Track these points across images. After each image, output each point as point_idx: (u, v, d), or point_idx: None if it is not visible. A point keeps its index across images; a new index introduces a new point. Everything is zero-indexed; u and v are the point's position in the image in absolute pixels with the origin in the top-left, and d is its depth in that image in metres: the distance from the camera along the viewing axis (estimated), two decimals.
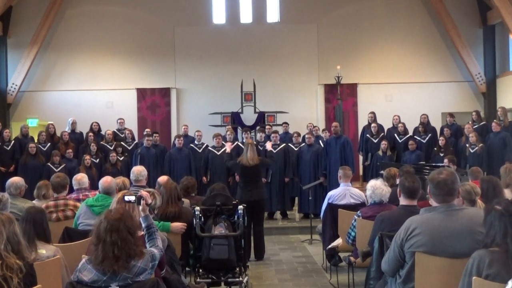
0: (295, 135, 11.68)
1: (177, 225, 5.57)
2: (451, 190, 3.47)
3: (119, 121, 13.17)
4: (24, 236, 3.49)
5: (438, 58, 15.89)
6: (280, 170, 10.91)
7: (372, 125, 12.49)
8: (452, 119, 12.63)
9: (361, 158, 13.23)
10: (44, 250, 4.03)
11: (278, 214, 11.42)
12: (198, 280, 5.66)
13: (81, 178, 6.50)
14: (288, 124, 12.97)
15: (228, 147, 9.11)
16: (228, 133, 12.03)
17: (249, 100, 15.20)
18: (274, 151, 10.79)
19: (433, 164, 10.19)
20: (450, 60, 15.90)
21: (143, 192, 3.92)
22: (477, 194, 4.69)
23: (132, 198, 3.83)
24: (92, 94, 15.69)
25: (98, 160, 11.65)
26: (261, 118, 14.74)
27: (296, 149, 11.33)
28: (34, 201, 6.06)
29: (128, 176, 6.77)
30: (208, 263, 5.68)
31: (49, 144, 12.14)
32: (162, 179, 6.67)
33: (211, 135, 11.65)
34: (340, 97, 14.77)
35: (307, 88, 15.90)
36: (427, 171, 9.12)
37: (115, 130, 12.91)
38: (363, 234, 5.27)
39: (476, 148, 11.00)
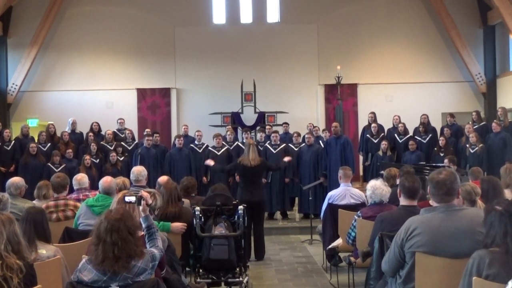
0: (295, 135, 11.68)
1: (177, 225, 5.57)
2: (450, 190, 3.47)
3: (119, 121, 13.18)
4: (24, 236, 3.50)
5: (438, 58, 15.89)
6: (280, 171, 10.90)
7: (372, 125, 12.49)
8: (452, 119, 12.62)
9: (361, 158, 13.23)
10: (44, 250, 4.03)
11: (278, 214, 11.42)
12: (198, 280, 5.66)
13: (81, 178, 6.50)
14: (288, 124, 12.97)
15: (209, 162, 9.06)
16: (228, 133, 12.03)
17: (249, 100, 15.20)
18: (274, 152, 10.84)
19: (433, 164, 10.18)
20: (450, 60, 15.90)
21: (144, 193, 3.92)
22: (477, 194, 4.69)
23: (133, 198, 3.83)
24: (92, 94, 15.69)
25: (98, 160, 11.65)
26: (261, 118, 14.74)
27: (296, 149, 11.33)
28: (34, 201, 6.06)
29: (128, 176, 6.77)
30: (208, 263, 5.68)
31: (49, 144, 12.14)
32: (162, 179, 6.68)
33: (211, 135, 11.64)
34: (340, 97, 14.78)
35: (307, 88, 15.90)
36: (427, 171, 9.12)
37: (115, 130, 12.91)
38: (363, 234, 5.27)
39: (476, 148, 11.00)
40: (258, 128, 13.13)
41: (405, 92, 15.74)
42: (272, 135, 11.29)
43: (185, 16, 15.89)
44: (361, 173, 13.57)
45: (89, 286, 3.19)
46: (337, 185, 7.31)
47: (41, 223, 4.17)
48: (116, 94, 15.78)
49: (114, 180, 5.72)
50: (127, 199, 3.86)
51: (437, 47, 15.88)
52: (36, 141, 12.18)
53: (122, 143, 12.28)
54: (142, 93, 15.79)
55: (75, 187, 6.42)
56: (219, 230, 5.77)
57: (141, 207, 3.78)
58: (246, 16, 16.17)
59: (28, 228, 4.03)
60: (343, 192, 7.00)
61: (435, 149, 11.79)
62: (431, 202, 3.62)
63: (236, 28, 16.02)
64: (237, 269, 5.80)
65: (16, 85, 15.34)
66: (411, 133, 12.55)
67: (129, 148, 12.23)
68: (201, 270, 5.74)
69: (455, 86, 15.89)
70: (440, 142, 11.71)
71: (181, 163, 11.26)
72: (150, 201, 3.88)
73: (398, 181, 5.97)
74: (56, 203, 5.86)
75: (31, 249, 3.77)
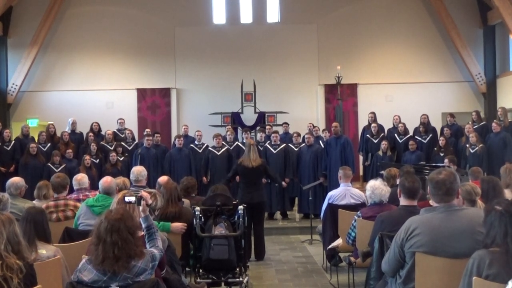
0: (295, 135, 11.68)
1: (177, 225, 5.57)
2: (450, 190, 3.46)
3: (119, 121, 13.18)
4: (24, 236, 3.50)
5: (438, 58, 15.89)
6: (280, 171, 10.89)
7: (372, 125, 12.49)
8: (452, 119, 12.62)
9: (361, 158, 13.23)
10: (44, 250, 4.03)
11: (278, 215, 11.42)
12: (198, 280, 5.66)
13: (81, 178, 6.50)
14: (288, 124, 12.96)
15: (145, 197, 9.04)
16: (228, 133, 12.04)
17: (249, 100, 15.20)
18: (274, 152, 10.83)
19: (433, 164, 10.18)
20: (450, 60, 15.90)
21: (143, 193, 3.92)
22: (477, 194, 4.69)
23: (133, 198, 3.83)
24: (92, 94, 15.69)
25: (98, 160, 11.65)
26: (261, 118, 14.73)
27: (296, 150, 11.33)
28: (34, 201, 6.06)
29: (128, 176, 6.76)
30: (208, 263, 5.68)
31: (49, 144, 12.14)
32: (163, 179, 6.67)
33: (211, 135, 11.64)
34: (340, 97, 14.78)
35: (307, 88, 15.90)
36: (427, 171, 9.12)
37: (115, 130, 12.92)
38: (363, 234, 5.27)
39: (476, 148, 11.00)
40: (258, 128, 13.13)
41: (405, 92, 15.74)
42: (272, 135, 11.28)
43: (185, 16, 15.89)
44: (361, 173, 13.58)
45: (89, 286, 3.19)
46: (337, 185, 7.31)
47: (41, 223, 4.17)
48: (116, 94, 15.78)
49: (114, 180, 5.72)
50: (127, 199, 3.86)
51: (437, 47, 15.88)
52: (36, 141, 12.18)
53: (122, 143, 12.29)
54: (142, 93, 15.80)
55: (75, 187, 6.42)
56: (219, 230, 5.77)
57: (141, 207, 3.78)
58: (246, 16, 16.17)
59: (28, 228, 4.03)
60: (343, 192, 7.00)
61: (435, 149, 11.79)
62: (431, 202, 3.62)
63: (236, 28, 16.03)
64: (237, 269, 5.80)
65: (16, 85, 15.34)
66: (411, 133, 12.56)
67: (129, 148, 12.24)
68: (201, 270, 5.74)
69: (455, 86, 15.89)
70: (440, 142, 11.71)
71: (181, 163, 11.26)
72: (150, 201, 3.88)
73: (398, 181, 5.97)
74: (56, 203, 5.86)
75: (31, 249, 3.77)
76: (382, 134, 12.47)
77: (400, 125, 12.45)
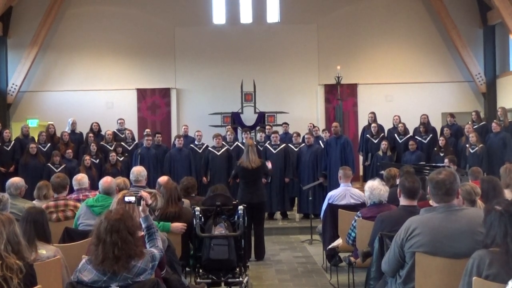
0: (294, 135, 11.68)
1: (177, 226, 5.57)
2: (450, 190, 3.46)
3: (119, 121, 13.18)
4: (24, 237, 3.50)
5: (438, 58, 15.89)
6: (280, 171, 10.90)
7: (372, 125, 12.49)
8: (452, 119, 12.62)
9: (361, 158, 13.23)
10: (44, 251, 4.03)
11: (278, 215, 11.42)
12: (198, 280, 5.66)
13: (81, 178, 6.50)
14: (288, 125, 12.97)
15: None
16: (228, 133, 12.04)
17: (249, 100, 15.19)
18: (274, 152, 10.86)
19: (433, 165, 10.18)
20: (450, 60, 15.90)
21: (143, 193, 3.92)
22: (477, 194, 4.69)
23: (132, 198, 3.83)
24: (92, 94, 15.69)
25: (98, 160, 11.65)
26: (261, 118, 14.73)
27: (296, 150, 11.33)
28: (34, 202, 6.06)
29: (128, 176, 6.77)
30: (208, 264, 5.68)
31: (49, 144, 12.14)
32: (162, 179, 6.67)
33: (211, 135, 11.64)
34: (340, 97, 14.77)
35: (307, 88, 15.90)
36: (427, 171, 9.12)
37: (115, 131, 12.92)
38: (363, 234, 5.27)
39: (476, 148, 11.00)
40: (258, 128, 13.12)
41: (405, 92, 15.74)
42: (272, 135, 11.28)
43: (185, 16, 15.89)
44: (361, 173, 13.57)
45: (89, 286, 3.19)
46: (337, 185, 7.31)
47: (41, 223, 4.17)
48: (116, 94, 15.78)
49: (114, 180, 5.72)
50: (127, 199, 3.86)
51: (437, 47, 15.88)
52: (36, 141, 12.18)
53: (122, 143, 12.29)
54: (142, 93, 15.80)
55: (75, 187, 6.42)
56: (219, 230, 5.77)
57: (141, 207, 3.78)
58: (246, 16, 16.18)
59: (28, 228, 4.03)
60: (343, 192, 7.00)
61: (435, 149, 11.78)
62: (431, 202, 3.62)
63: (236, 28, 16.03)
64: (237, 269, 5.80)
65: (16, 85, 15.34)
66: (411, 133, 12.56)
67: (129, 148, 12.24)
68: (201, 270, 5.74)
69: (455, 86, 15.89)
70: (440, 142, 11.70)
71: (181, 163, 11.26)
72: (149, 201, 3.88)
73: (398, 181, 5.97)
74: (56, 203, 5.86)
75: (31, 249, 3.77)
76: (382, 134, 12.47)
77: (400, 125, 12.45)
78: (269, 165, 9.20)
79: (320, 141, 11.72)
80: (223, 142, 11.27)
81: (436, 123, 13.72)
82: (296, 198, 11.53)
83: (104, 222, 3.25)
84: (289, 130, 12.71)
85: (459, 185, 3.59)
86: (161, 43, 15.95)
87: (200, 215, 5.79)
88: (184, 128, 12.82)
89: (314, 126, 12.79)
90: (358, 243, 5.48)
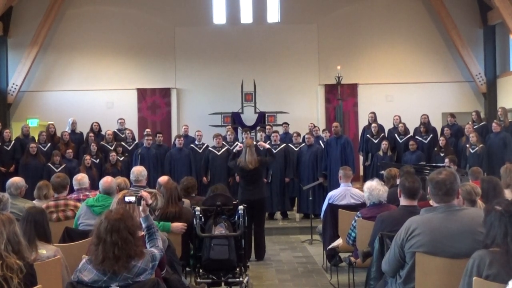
0: (294, 135, 11.68)
1: (178, 225, 5.57)
2: (450, 190, 3.46)
3: (119, 121, 13.18)
4: (25, 236, 3.50)
5: (438, 58, 15.89)
6: (280, 171, 10.91)
7: (373, 125, 12.49)
8: (453, 119, 12.62)
9: (361, 158, 13.23)
10: (45, 250, 4.03)
11: (278, 215, 11.43)
12: (199, 280, 5.66)
13: (82, 178, 6.50)
14: (288, 124, 12.96)
15: (238, 147, 8.98)
16: (228, 133, 12.04)
17: (250, 100, 15.20)
18: (275, 151, 10.84)
19: (434, 165, 10.18)
20: (451, 60, 15.89)
21: (143, 193, 3.92)
22: (477, 194, 4.69)
23: (133, 198, 3.83)
24: (92, 94, 15.69)
25: (98, 160, 11.65)
26: (262, 118, 14.73)
27: (296, 149, 11.33)
28: (34, 201, 6.06)
29: (128, 176, 6.77)
30: (209, 263, 5.68)
31: (49, 144, 12.14)
32: (163, 179, 6.67)
33: (211, 135, 11.65)
34: (340, 97, 14.78)
35: (308, 88, 15.90)
36: (428, 171, 9.12)
37: (116, 130, 12.92)
38: (364, 234, 5.27)
39: (477, 148, 11.00)
40: (258, 128, 13.13)
41: (405, 92, 15.74)
42: (273, 134, 11.30)
43: (185, 16, 15.89)
44: (361, 173, 13.57)
45: (89, 286, 3.19)
46: (337, 185, 7.31)
47: (41, 223, 4.17)
48: (116, 94, 15.78)
49: (114, 180, 5.72)
50: (127, 199, 3.86)
51: (437, 47, 15.88)
52: (36, 141, 12.17)
53: (122, 143, 12.29)
54: (142, 93, 15.80)
55: (75, 187, 6.42)
56: (219, 230, 5.77)
57: (141, 207, 3.78)
58: (246, 16, 16.17)
59: (28, 228, 4.03)
60: (343, 192, 7.00)
61: (435, 149, 11.78)
62: (431, 202, 3.62)
63: (236, 28, 16.03)
64: (237, 269, 5.80)
65: (16, 85, 15.34)
66: (411, 133, 12.55)
67: (129, 148, 12.24)
68: (201, 270, 5.74)
69: (455, 86, 15.89)
70: (440, 142, 11.70)
71: (181, 163, 11.27)
72: (150, 201, 3.88)
73: (398, 181, 5.97)
74: (56, 203, 5.86)
75: (31, 249, 3.77)
76: (382, 134, 12.46)
77: (400, 125, 12.45)
78: (264, 145, 9.01)
79: (320, 141, 11.72)
80: (223, 142, 11.27)
81: (437, 123, 13.72)
82: (296, 198, 11.53)
83: (104, 222, 3.25)
84: (289, 130, 12.70)
85: (459, 185, 3.59)
86: (161, 43, 15.95)
87: (200, 215, 5.79)
88: (184, 128, 12.81)
89: (314, 126, 12.79)
90: (358, 243, 5.48)
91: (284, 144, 11.20)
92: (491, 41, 15.54)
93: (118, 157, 11.56)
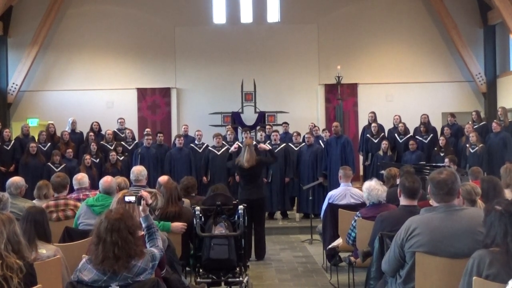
0: (295, 134, 11.68)
1: (177, 225, 5.56)
2: (451, 190, 3.46)
3: (119, 121, 13.18)
4: (25, 236, 3.49)
5: (438, 58, 15.89)
6: (280, 170, 10.91)
7: (373, 125, 12.49)
8: (453, 119, 12.62)
9: (361, 158, 13.23)
10: (45, 250, 4.03)
11: (278, 214, 11.43)
12: (199, 280, 5.65)
13: (82, 178, 6.50)
14: (288, 124, 12.96)
15: (233, 147, 9.04)
16: (228, 133, 12.04)
17: (250, 100, 15.20)
18: (275, 151, 10.84)
19: (434, 164, 10.18)
20: (451, 60, 15.89)
21: (144, 193, 3.92)
22: (477, 194, 4.69)
23: (132, 198, 3.83)
24: (92, 94, 15.69)
25: (98, 160, 11.66)
26: (262, 118, 14.74)
27: (296, 149, 11.33)
28: (34, 201, 6.06)
29: (128, 176, 6.77)
30: (208, 263, 5.67)
31: (49, 144, 12.15)
32: (163, 179, 6.68)
33: (211, 135, 11.65)
34: (340, 97, 14.78)
35: (308, 88, 15.90)
36: (428, 171, 9.12)
37: (116, 130, 12.92)
38: (363, 234, 5.27)
39: (476, 148, 11.00)
40: (258, 127, 13.12)
41: (406, 92, 15.74)
42: (272, 134, 11.30)
43: (185, 16, 15.89)
44: (361, 173, 13.57)
45: (89, 286, 3.19)
46: (337, 185, 7.31)
47: (41, 223, 4.17)
48: (116, 93, 15.78)
49: (114, 179, 5.72)
50: (127, 199, 3.86)
51: (437, 47, 15.88)
52: (36, 140, 12.18)
53: (122, 142, 12.29)
54: (142, 93, 15.79)
55: (75, 187, 6.42)
56: (219, 230, 5.77)
57: (141, 207, 3.78)
58: (246, 16, 16.17)
59: (28, 228, 4.03)
60: (343, 192, 7.00)
61: (435, 149, 11.78)
62: (431, 202, 3.62)
63: (236, 28, 16.02)
64: (237, 269, 5.79)
65: (16, 85, 15.34)
66: (411, 133, 12.55)
67: (129, 148, 12.24)
68: (201, 270, 5.74)
69: (455, 86, 15.89)
70: (440, 142, 11.70)
71: (181, 163, 11.27)
72: (150, 201, 3.88)
73: (398, 181, 5.97)
74: (56, 202, 5.86)
75: (31, 248, 3.77)
76: (382, 134, 12.47)
77: (400, 125, 12.45)
78: (264, 146, 8.95)
79: (320, 141, 11.72)
80: (223, 142, 11.27)
81: (437, 123, 13.73)
82: (296, 198, 11.52)
83: (104, 222, 3.25)
84: (289, 130, 12.71)
85: (460, 185, 3.59)
86: (161, 43, 15.95)
87: (200, 215, 5.79)
88: (184, 128, 12.82)
89: (314, 126, 12.79)
90: (358, 243, 5.48)
91: (284, 144, 11.20)
92: (491, 41, 15.55)
93: (118, 157, 11.56)
